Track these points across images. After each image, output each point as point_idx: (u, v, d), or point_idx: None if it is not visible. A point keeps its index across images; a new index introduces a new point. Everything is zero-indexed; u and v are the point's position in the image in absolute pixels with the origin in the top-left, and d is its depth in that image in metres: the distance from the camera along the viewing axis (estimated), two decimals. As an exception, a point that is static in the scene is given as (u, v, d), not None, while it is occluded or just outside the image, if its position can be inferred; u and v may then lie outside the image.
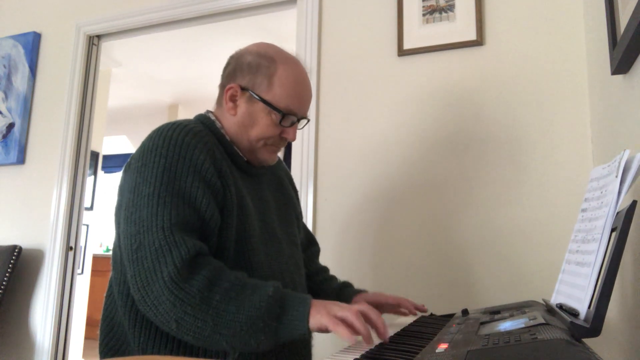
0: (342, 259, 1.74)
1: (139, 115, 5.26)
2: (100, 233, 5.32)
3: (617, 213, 0.70)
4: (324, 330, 0.82)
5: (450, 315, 1.16)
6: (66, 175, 2.37)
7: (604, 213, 0.72)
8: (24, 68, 2.55)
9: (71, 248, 2.35)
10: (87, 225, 3.95)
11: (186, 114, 4.95)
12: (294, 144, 1.88)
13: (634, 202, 0.69)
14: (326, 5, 1.95)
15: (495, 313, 0.93)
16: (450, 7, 1.72)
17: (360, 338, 0.81)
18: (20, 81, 2.55)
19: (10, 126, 2.53)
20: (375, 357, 0.74)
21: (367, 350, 0.77)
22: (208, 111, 1.10)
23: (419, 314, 1.20)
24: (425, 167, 1.68)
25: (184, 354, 0.91)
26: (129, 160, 0.98)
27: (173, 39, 3.45)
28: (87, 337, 3.75)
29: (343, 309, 0.82)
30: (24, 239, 2.39)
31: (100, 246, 5.72)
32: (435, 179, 1.66)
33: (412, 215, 1.68)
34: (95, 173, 3.98)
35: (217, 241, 0.94)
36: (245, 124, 1.03)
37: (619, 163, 0.72)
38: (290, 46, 1.17)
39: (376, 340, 0.83)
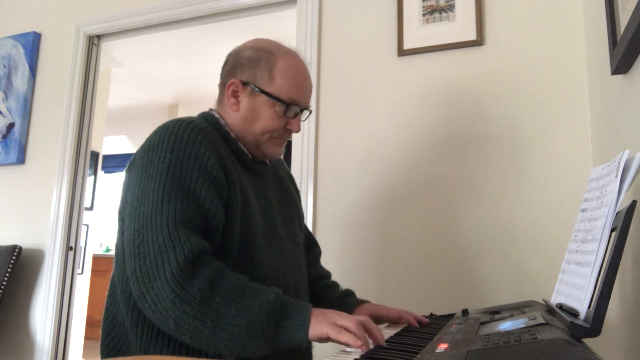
0: (342, 259, 1.74)
1: (139, 115, 5.25)
2: (100, 233, 5.32)
3: (617, 213, 0.70)
4: (324, 339, 0.81)
5: (450, 315, 1.17)
6: (66, 175, 2.36)
7: (603, 213, 0.72)
8: (24, 68, 2.55)
9: (71, 248, 2.35)
10: (87, 225, 3.95)
11: (186, 114, 4.92)
12: (294, 144, 1.88)
13: (634, 202, 0.69)
14: (326, 5, 1.95)
15: (495, 313, 0.93)
16: (450, 7, 1.72)
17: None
18: (20, 81, 2.55)
19: (10, 126, 2.53)
20: (376, 357, 0.74)
21: (367, 350, 0.78)
22: (211, 109, 1.09)
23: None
24: (424, 167, 1.68)
25: (186, 355, 0.90)
26: (133, 157, 0.98)
27: (173, 39, 3.45)
28: (87, 337, 3.75)
29: (344, 317, 0.82)
30: (24, 239, 2.39)
31: (100, 246, 5.72)
32: (434, 179, 1.66)
33: (411, 215, 1.68)
34: (95, 173, 3.98)
35: (221, 239, 0.94)
36: (249, 118, 1.03)
37: (619, 163, 0.72)
38: (290, 46, 1.17)
39: None
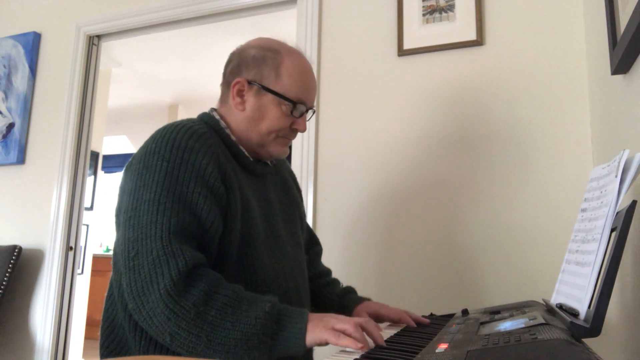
0: (342, 259, 1.74)
1: (139, 115, 5.26)
2: (100, 233, 5.32)
3: (617, 213, 0.70)
4: (323, 344, 0.80)
5: (450, 315, 1.16)
6: (66, 175, 2.37)
7: (603, 213, 0.72)
8: (24, 68, 2.55)
9: (71, 248, 2.35)
10: (87, 225, 3.95)
11: (186, 114, 4.94)
12: (294, 143, 1.88)
13: (634, 202, 0.69)
14: (326, 5, 1.95)
15: (495, 313, 0.93)
16: (450, 7, 1.72)
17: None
18: (20, 81, 2.55)
19: (10, 126, 2.53)
20: (375, 357, 0.74)
21: (367, 350, 0.78)
22: (212, 109, 1.08)
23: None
24: (424, 167, 1.68)
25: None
26: (130, 159, 0.96)
27: (173, 39, 3.45)
28: (87, 337, 3.75)
29: (341, 321, 0.81)
30: (24, 239, 2.39)
31: (100, 246, 5.72)
32: (434, 179, 1.66)
33: (411, 214, 1.68)
34: (95, 173, 3.98)
35: (220, 245, 0.93)
36: (255, 117, 1.02)
37: (619, 163, 0.72)
38: (290, 46, 1.17)
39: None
